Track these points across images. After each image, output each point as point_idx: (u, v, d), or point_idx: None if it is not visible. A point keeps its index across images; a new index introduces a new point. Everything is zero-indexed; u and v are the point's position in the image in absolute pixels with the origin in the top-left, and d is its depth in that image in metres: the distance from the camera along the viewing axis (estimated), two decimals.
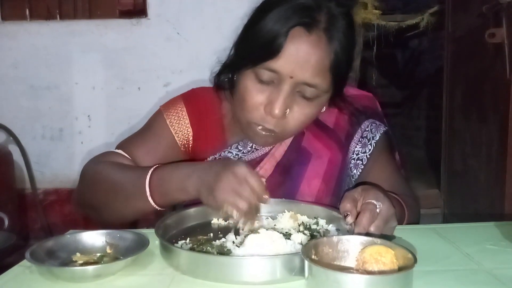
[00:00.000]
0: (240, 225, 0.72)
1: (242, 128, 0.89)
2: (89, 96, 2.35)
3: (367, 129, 0.96)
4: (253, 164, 0.92)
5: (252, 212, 0.70)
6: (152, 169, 0.79)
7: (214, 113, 0.97)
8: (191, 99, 0.98)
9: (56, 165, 2.38)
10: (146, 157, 0.92)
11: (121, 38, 2.31)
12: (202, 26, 2.28)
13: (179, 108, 0.97)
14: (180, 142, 0.96)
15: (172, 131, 0.96)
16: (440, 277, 0.63)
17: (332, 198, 0.93)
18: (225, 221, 0.85)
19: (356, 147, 0.95)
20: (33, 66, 2.33)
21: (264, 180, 0.72)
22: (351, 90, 1.00)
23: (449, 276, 0.64)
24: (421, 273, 0.62)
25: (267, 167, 0.92)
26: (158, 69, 2.33)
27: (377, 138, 0.95)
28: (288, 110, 0.82)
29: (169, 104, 0.99)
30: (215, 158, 0.95)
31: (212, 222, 0.86)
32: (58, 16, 2.34)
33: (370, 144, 0.95)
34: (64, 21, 2.33)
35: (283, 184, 0.92)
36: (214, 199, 0.69)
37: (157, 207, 0.79)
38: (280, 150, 0.93)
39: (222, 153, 0.95)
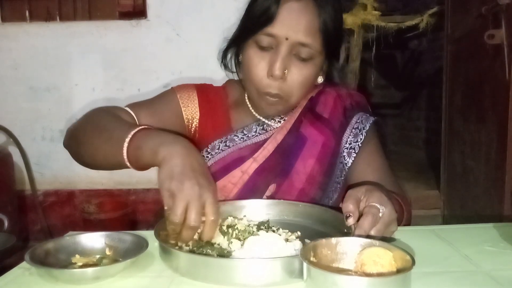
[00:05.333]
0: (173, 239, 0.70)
1: (255, 101, 0.98)
2: (89, 98, 2.35)
3: (358, 121, 1.04)
4: (258, 145, 1.00)
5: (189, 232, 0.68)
6: (138, 128, 0.79)
7: (222, 104, 1.07)
8: (203, 88, 1.08)
9: (56, 166, 2.38)
10: (150, 119, 0.98)
11: (121, 40, 2.31)
12: (201, 27, 2.29)
13: (191, 91, 1.06)
14: (186, 116, 1.03)
15: (180, 103, 1.03)
16: (439, 279, 0.64)
17: (324, 178, 1.00)
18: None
19: (349, 137, 1.03)
20: (33, 68, 2.34)
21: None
22: (343, 90, 1.09)
23: (448, 277, 0.64)
24: (420, 275, 0.62)
25: (269, 148, 1.00)
26: (157, 70, 2.33)
27: (367, 127, 1.03)
28: (286, 71, 0.91)
29: (181, 85, 1.08)
30: (222, 141, 1.01)
31: None
32: (58, 17, 2.35)
33: (361, 133, 1.02)
34: (64, 23, 2.33)
35: (281, 163, 0.99)
36: (170, 192, 0.67)
37: (128, 164, 0.78)
38: (280, 134, 1.01)
39: (229, 136, 1.02)
